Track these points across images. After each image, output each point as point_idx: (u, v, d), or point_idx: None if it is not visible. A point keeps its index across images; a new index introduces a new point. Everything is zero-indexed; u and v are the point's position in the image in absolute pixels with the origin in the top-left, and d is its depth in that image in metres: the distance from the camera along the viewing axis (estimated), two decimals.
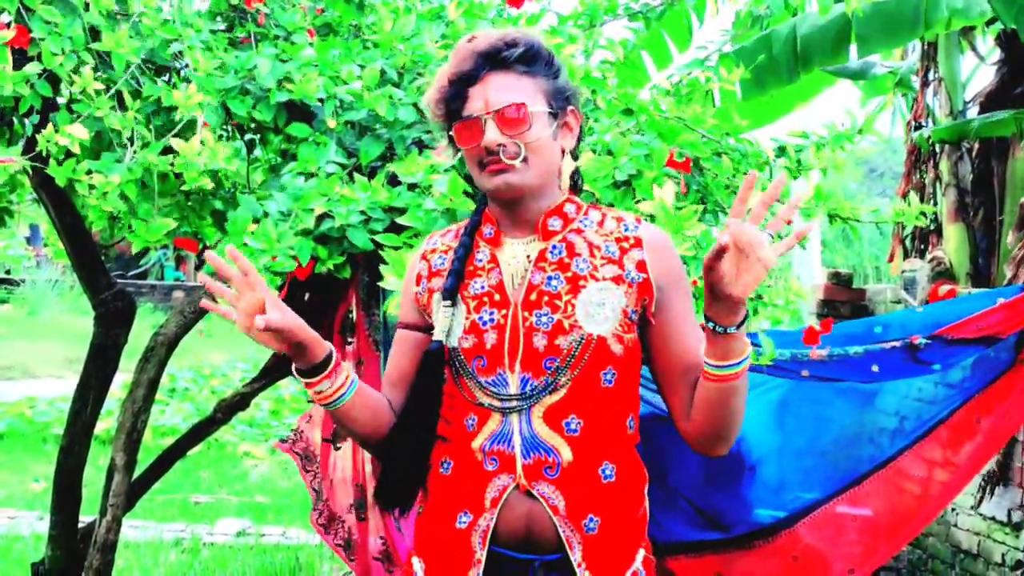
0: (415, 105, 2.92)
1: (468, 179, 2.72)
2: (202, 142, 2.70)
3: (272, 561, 6.12)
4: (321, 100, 2.94)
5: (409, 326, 2.22)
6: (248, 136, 3.27)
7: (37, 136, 2.68)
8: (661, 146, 2.92)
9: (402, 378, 2.20)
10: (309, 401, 3.79)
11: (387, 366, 2.29)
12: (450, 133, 2.12)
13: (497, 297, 2.11)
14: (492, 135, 2.04)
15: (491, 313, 2.10)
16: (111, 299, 3.88)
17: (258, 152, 3.35)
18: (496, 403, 2.08)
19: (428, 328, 2.19)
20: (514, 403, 2.07)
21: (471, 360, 2.10)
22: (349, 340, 3.71)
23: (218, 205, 3.28)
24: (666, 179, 2.81)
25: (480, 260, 2.15)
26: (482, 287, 2.12)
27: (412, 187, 2.80)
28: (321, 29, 3.28)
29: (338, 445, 3.72)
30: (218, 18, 3.18)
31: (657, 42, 6.01)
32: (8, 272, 19.36)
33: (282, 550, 6.41)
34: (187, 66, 3.02)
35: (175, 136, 2.75)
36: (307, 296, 3.53)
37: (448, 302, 2.11)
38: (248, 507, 7.70)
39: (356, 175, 2.80)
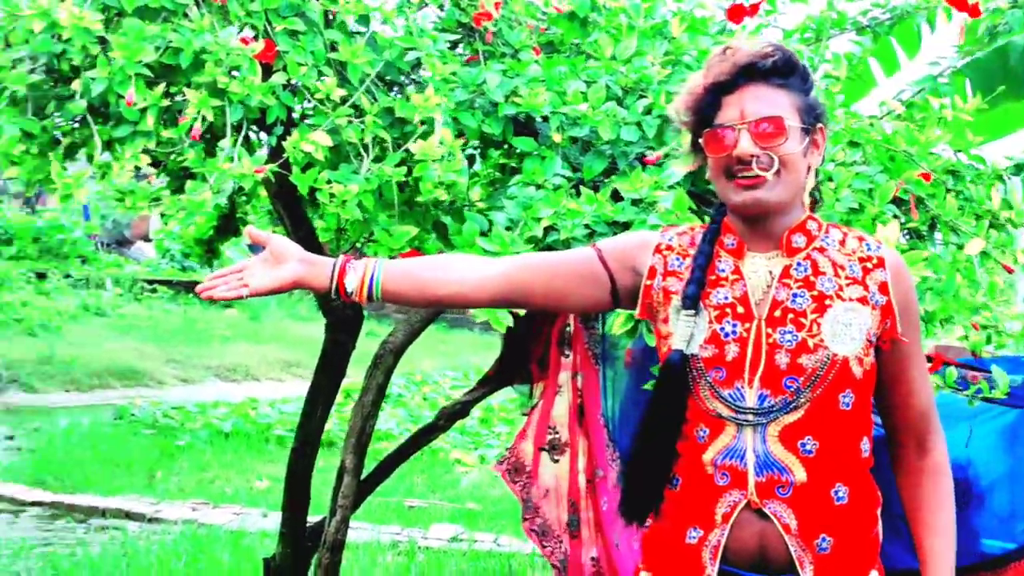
0: (638, 124, 2.94)
1: (693, 195, 2.72)
2: (441, 141, 2.78)
3: (485, 567, 6.23)
4: (545, 118, 3.00)
5: (608, 266, 2.17)
6: (468, 151, 3.35)
7: (282, 145, 2.81)
8: (887, 181, 2.83)
9: (538, 270, 2.21)
10: (523, 414, 3.85)
11: (549, 256, 2.30)
12: (699, 140, 2.09)
13: (740, 310, 2.08)
14: (746, 145, 2.01)
15: (734, 325, 2.07)
16: (341, 307, 4.03)
17: (477, 167, 3.43)
18: (731, 414, 2.05)
19: (619, 293, 2.17)
20: (750, 417, 2.04)
21: (710, 370, 2.07)
22: (566, 353, 3.72)
23: (441, 216, 3.37)
24: (890, 217, 2.73)
25: (723, 270, 2.11)
26: (725, 297, 2.09)
27: (635, 202, 2.82)
28: (545, 48, 3.34)
29: (555, 457, 3.71)
30: (447, 35, 3.27)
31: (885, 50, 5.81)
32: None
33: (495, 557, 6.50)
34: (416, 82, 3.13)
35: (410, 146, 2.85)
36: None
37: (691, 311, 2.08)
38: (460, 513, 7.84)
39: (582, 188, 2.84)
